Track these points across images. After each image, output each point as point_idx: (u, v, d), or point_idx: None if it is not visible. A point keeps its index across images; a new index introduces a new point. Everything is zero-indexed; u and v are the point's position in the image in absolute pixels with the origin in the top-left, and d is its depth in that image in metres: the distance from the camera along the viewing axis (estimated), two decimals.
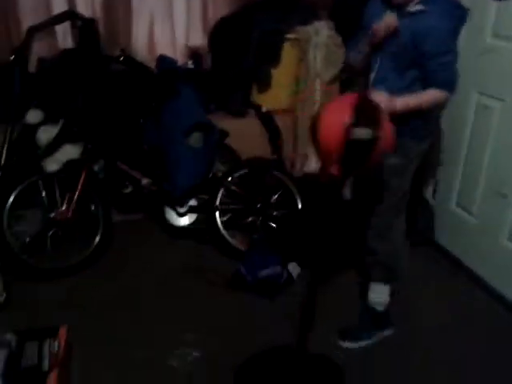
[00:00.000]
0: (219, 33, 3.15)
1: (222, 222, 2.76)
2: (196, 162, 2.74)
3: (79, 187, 2.54)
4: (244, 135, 2.90)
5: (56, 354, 1.80)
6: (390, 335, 2.23)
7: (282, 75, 3.14)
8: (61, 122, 2.61)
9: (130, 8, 3.06)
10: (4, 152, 2.51)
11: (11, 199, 2.44)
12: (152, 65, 2.93)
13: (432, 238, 2.94)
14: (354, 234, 2.72)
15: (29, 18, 2.83)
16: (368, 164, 1.59)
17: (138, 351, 2.07)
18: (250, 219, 2.87)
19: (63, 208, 2.55)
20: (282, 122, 3.03)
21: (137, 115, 2.74)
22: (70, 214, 2.53)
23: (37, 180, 2.56)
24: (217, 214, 2.76)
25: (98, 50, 2.78)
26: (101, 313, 2.29)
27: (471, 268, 2.67)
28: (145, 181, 2.73)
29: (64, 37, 2.96)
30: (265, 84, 3.14)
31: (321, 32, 3.06)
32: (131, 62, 2.76)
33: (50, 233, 2.58)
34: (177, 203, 2.79)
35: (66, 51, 2.85)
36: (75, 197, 2.53)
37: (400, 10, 1.86)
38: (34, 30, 2.68)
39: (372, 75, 2.04)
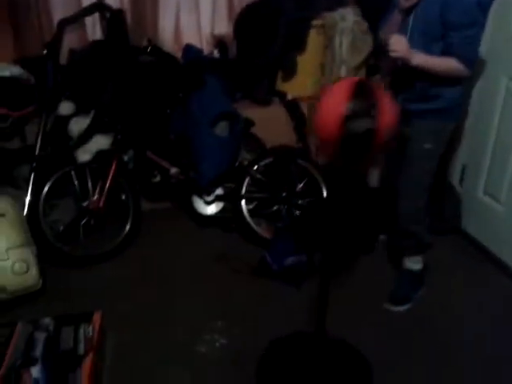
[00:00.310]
0: (245, 21, 3.14)
1: (247, 211, 2.80)
2: (222, 151, 2.78)
3: (110, 177, 2.61)
4: (269, 123, 2.92)
5: (91, 339, 1.88)
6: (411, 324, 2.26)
7: (307, 62, 3.13)
8: (92, 112, 2.70)
9: None
10: (38, 143, 2.61)
11: (46, 189, 2.53)
12: (178, 54, 2.98)
13: (459, 226, 2.92)
14: (379, 220, 2.76)
15: (59, 12, 2.89)
16: (372, 154, 1.55)
17: (167, 336, 2.15)
18: (275, 208, 2.90)
19: (95, 197, 2.63)
20: (307, 109, 3.04)
21: (164, 105, 2.79)
22: (101, 203, 2.61)
23: (70, 170, 2.65)
24: (242, 202, 2.80)
25: (126, 41, 2.84)
26: (131, 299, 2.37)
27: (499, 256, 2.65)
28: (173, 170, 2.79)
29: (93, 28, 3.00)
30: (290, 71, 3.14)
31: (347, 18, 3.03)
32: (158, 52, 2.81)
33: (83, 222, 2.68)
34: (204, 192, 2.85)
35: (95, 42, 2.91)
36: (106, 186, 2.61)
37: None
38: (64, 23, 2.76)
39: None
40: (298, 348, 2.08)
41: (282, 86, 3.15)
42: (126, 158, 2.77)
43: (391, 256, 2.65)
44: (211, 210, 2.90)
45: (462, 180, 2.92)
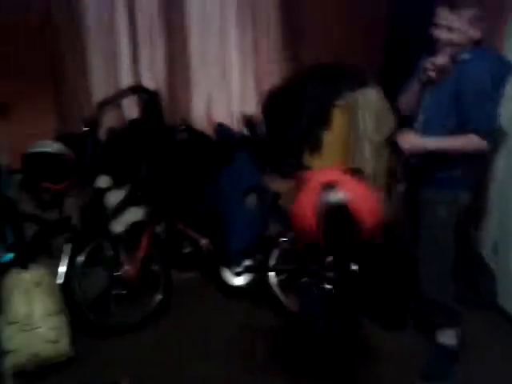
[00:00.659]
0: (272, 101, 3.34)
1: (277, 282, 2.79)
2: (250, 223, 2.86)
3: (143, 247, 2.68)
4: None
5: None
6: None
7: (332, 138, 3.26)
8: (127, 186, 2.82)
9: (189, 80, 3.30)
10: (76, 214, 2.72)
11: (80, 259, 2.59)
12: (210, 132, 3.15)
13: (495, 302, 2.80)
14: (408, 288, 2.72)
15: (99, 92, 3.11)
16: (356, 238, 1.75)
17: None
18: (304, 280, 2.90)
19: (128, 267, 2.67)
20: None
21: (196, 181, 2.91)
22: (134, 272, 2.66)
23: (104, 240, 2.73)
24: (270, 274, 2.80)
25: (161, 121, 3.02)
26: (159, 370, 2.35)
27: None
28: (203, 241, 2.86)
29: (130, 108, 3.20)
30: (316, 147, 3.27)
31: (369, 96, 3.18)
32: (191, 131, 2.98)
33: (115, 291, 2.69)
34: (233, 263, 2.89)
35: (132, 122, 3.09)
36: (140, 256, 2.67)
37: None
38: (104, 105, 2.96)
39: (419, 118, 2.16)
40: None
41: (308, 161, 3.27)
42: (158, 229, 2.85)
43: (419, 326, 2.58)
44: (239, 281, 2.92)
45: (494, 254, 2.81)
